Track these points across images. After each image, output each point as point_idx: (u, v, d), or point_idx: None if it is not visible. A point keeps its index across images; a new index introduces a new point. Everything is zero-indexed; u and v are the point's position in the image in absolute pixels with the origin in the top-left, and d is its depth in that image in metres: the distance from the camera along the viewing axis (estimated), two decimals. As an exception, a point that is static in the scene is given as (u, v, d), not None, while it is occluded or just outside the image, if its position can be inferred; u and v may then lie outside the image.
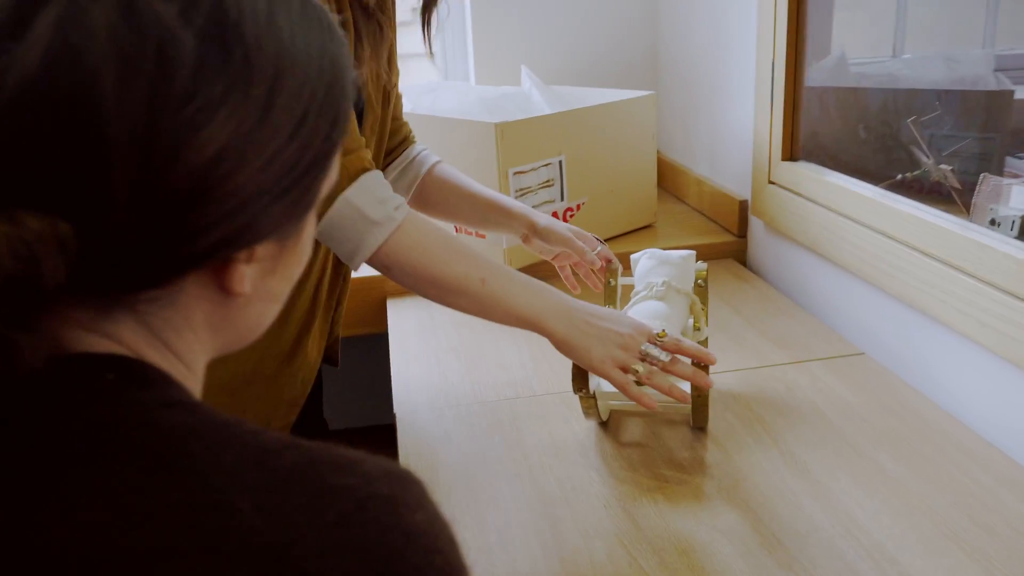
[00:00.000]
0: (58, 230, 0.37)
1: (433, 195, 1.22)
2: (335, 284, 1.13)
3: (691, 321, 1.18)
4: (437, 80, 2.15)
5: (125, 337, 0.43)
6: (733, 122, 1.71)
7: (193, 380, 0.46)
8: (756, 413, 1.11)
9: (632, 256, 1.20)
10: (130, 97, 0.38)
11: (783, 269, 1.57)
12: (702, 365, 1.00)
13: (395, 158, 1.22)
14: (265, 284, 0.46)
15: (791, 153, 1.49)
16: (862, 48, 1.67)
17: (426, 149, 1.24)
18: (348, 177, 0.93)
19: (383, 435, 1.18)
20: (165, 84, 0.39)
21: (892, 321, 1.25)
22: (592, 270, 1.21)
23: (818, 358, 1.26)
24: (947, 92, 1.23)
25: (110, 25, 0.38)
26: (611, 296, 1.20)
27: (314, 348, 1.11)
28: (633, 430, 1.09)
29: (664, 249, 1.19)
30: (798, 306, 1.45)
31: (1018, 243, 1.01)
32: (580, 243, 1.18)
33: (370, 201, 0.93)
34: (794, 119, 1.47)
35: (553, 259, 1.22)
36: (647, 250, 1.19)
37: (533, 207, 1.56)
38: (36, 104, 0.38)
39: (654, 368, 0.96)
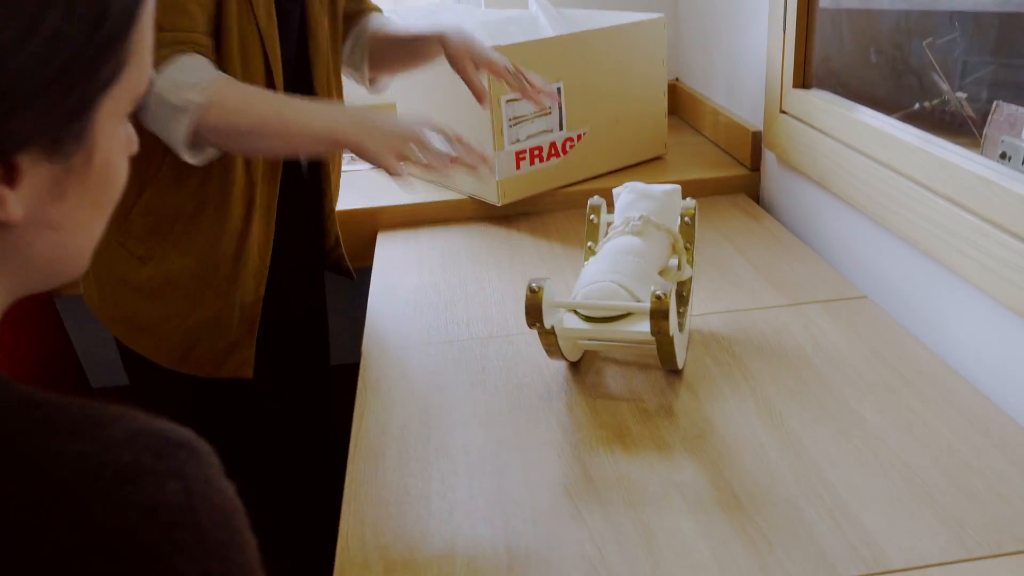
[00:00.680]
0: None
1: (375, 54, 1.28)
2: (269, 185, 1.13)
3: (675, 261, 1.11)
4: (449, 2, 2.05)
5: None
6: (748, 48, 1.60)
7: None
8: (738, 358, 1.05)
9: (614, 190, 1.13)
10: None
11: (794, 206, 1.47)
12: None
13: (352, 27, 1.29)
14: (54, 211, 0.41)
15: (803, 80, 1.38)
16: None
17: (380, 15, 1.31)
18: (155, 68, 0.94)
19: (353, 373, 1.14)
20: None
21: (896, 263, 1.16)
22: (506, 70, 1.19)
23: (816, 300, 1.18)
24: (964, 14, 1.11)
25: None
26: (592, 233, 1.13)
27: (256, 253, 1.14)
28: (603, 373, 1.04)
29: (668, 184, 1.11)
30: (805, 246, 1.36)
31: (1029, 179, 0.91)
32: (480, 45, 1.18)
33: (172, 88, 0.95)
34: (807, 43, 1.36)
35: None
36: (628, 183, 1.11)
37: (528, 137, 1.49)
38: None
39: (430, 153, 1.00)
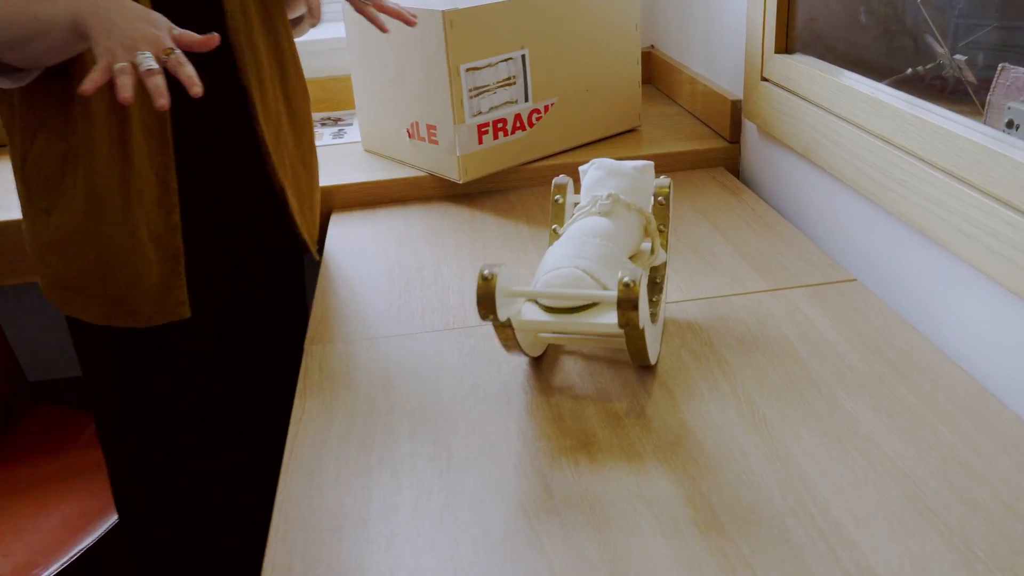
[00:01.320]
0: None
1: None
2: (148, 108, 1.04)
3: (647, 245, 1.01)
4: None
5: None
6: (727, 11, 1.49)
7: None
8: (717, 351, 0.95)
9: (580, 168, 1.02)
10: None
11: (776, 180, 1.37)
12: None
13: None
14: None
15: (786, 44, 1.28)
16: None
17: None
18: None
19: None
20: None
21: (889, 243, 1.07)
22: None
23: (801, 285, 1.08)
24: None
25: None
26: (558, 215, 1.03)
27: (152, 180, 1.06)
28: (568, 371, 0.94)
29: (641, 160, 1.01)
30: (789, 223, 1.27)
31: (1039, 150, 0.81)
32: None
33: None
34: (790, 4, 1.25)
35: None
36: (596, 159, 1.01)
37: (491, 108, 1.38)
38: None
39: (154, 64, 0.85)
